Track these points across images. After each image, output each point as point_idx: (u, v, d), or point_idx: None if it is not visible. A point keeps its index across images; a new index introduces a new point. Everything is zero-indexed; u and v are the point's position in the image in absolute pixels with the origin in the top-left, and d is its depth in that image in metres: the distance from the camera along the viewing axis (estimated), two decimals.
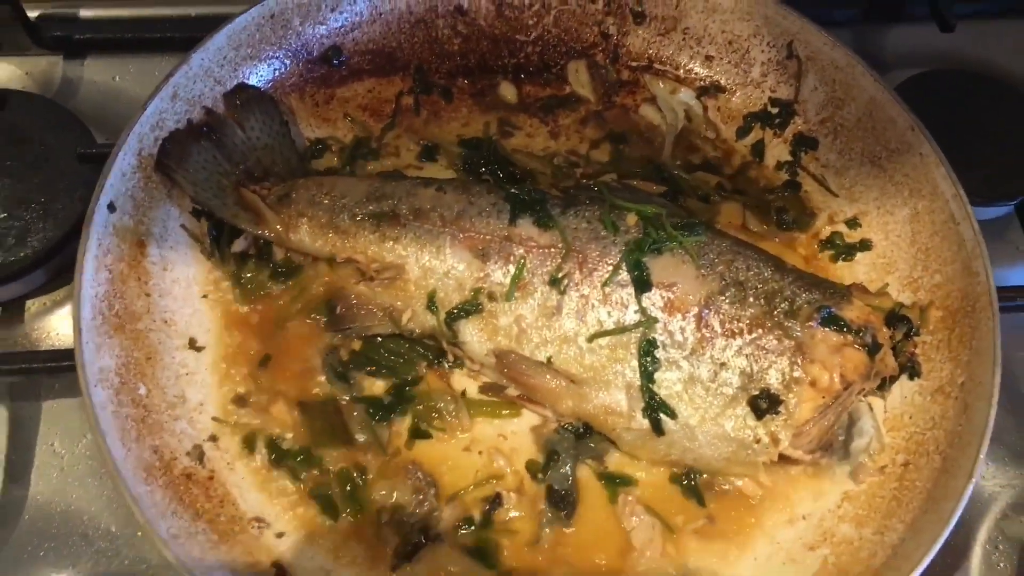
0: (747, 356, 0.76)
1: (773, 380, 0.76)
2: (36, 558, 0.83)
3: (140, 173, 0.82)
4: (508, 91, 0.99)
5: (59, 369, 0.83)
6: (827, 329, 0.76)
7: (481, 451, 0.79)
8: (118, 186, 0.79)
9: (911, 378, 0.81)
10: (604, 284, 0.78)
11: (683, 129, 0.97)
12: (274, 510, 0.75)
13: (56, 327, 0.94)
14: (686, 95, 0.99)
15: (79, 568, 0.82)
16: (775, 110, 0.96)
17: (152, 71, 1.10)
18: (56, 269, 0.95)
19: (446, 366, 0.83)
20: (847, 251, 0.90)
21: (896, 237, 0.88)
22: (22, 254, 0.92)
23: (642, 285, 0.78)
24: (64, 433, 0.89)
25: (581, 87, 0.99)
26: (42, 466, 0.88)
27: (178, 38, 1.11)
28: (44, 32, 1.10)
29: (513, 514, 0.77)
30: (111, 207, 0.78)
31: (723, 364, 0.76)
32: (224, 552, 0.68)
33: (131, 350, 0.77)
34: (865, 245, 0.90)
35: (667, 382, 0.77)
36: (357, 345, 0.83)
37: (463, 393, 0.82)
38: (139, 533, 0.84)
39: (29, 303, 0.95)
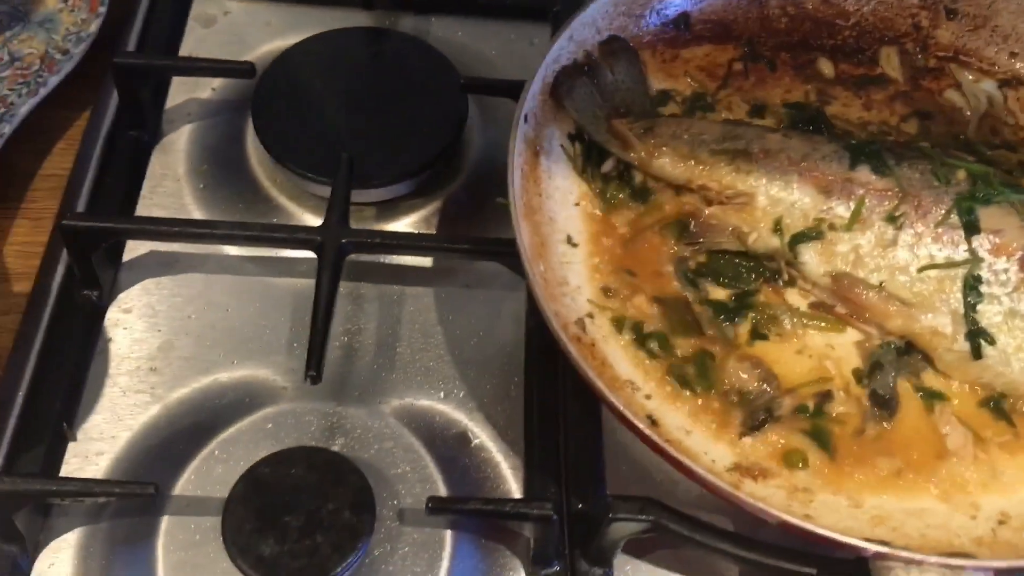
0: None
1: None
2: (407, 404, 1.00)
3: (540, 96, 0.99)
4: (825, 66, 1.12)
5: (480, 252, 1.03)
6: None
7: (811, 356, 0.92)
8: (530, 103, 0.96)
9: None
10: (936, 225, 0.91)
11: (985, 113, 1.09)
12: (641, 378, 0.90)
13: (419, 228, 1.13)
14: (989, 85, 1.10)
15: (439, 419, 0.99)
16: None
17: (484, 32, 1.30)
18: (423, 181, 1.14)
19: (781, 283, 0.96)
20: None
21: None
22: (402, 166, 1.11)
23: (971, 228, 0.91)
24: (422, 315, 1.06)
25: (891, 70, 1.12)
26: (406, 338, 1.05)
27: (509, 5, 1.31)
28: None
29: (841, 409, 0.90)
30: (525, 119, 0.95)
31: None
32: (613, 400, 0.83)
33: (532, 235, 0.93)
34: None
35: (988, 313, 0.89)
36: (703, 258, 0.97)
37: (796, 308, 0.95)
38: (485, 399, 1.01)
39: (400, 204, 1.14)
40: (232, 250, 1.08)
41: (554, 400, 0.98)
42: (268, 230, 1.00)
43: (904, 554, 0.73)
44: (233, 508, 0.87)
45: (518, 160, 0.93)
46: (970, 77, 1.11)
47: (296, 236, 0.99)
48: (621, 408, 0.78)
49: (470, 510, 0.87)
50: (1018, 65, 1.11)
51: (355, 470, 0.90)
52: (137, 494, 0.85)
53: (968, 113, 1.09)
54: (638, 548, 0.93)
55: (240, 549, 0.85)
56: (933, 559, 0.73)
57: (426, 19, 1.32)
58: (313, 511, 0.87)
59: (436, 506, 0.85)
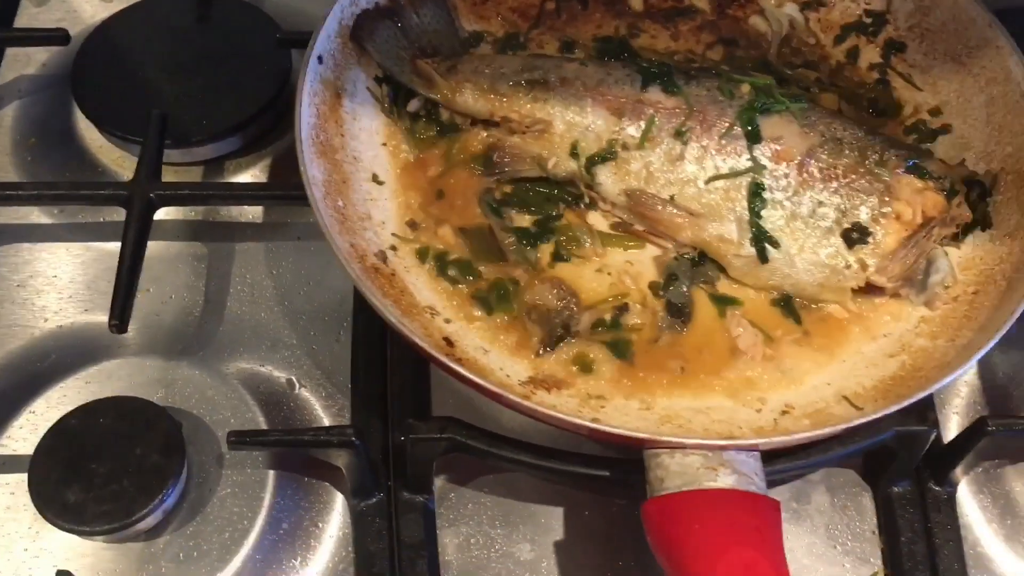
0: (841, 196, 0.91)
1: (863, 216, 0.91)
2: (234, 355, 1.01)
3: (339, 39, 1.00)
4: (635, 1, 1.15)
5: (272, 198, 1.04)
6: (912, 175, 0.91)
7: (611, 273, 0.95)
8: (324, 44, 0.97)
9: (983, 230, 0.95)
10: (721, 137, 0.94)
11: (787, 35, 1.12)
12: (442, 304, 0.92)
13: (247, 180, 1.14)
14: (791, 8, 1.13)
15: (266, 367, 1.00)
16: (869, 20, 1.11)
17: None
18: (251, 136, 1.14)
19: (583, 206, 0.99)
20: (929, 135, 1.03)
21: (973, 120, 1.01)
22: (224, 122, 1.12)
23: (753, 138, 0.94)
24: (253, 270, 1.08)
25: (699, 1, 1.15)
26: (235, 293, 1.06)
27: None
28: None
29: (636, 320, 0.92)
30: (320, 59, 0.96)
31: (820, 203, 0.91)
32: (407, 324, 0.85)
33: (331, 172, 0.94)
34: (945, 129, 1.03)
35: (772, 218, 0.92)
36: (509, 188, 1.00)
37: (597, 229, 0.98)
38: (313, 346, 1.03)
39: (227, 163, 1.15)
40: (60, 218, 1.08)
41: (382, 340, 1.00)
42: (75, 187, 1.01)
43: (667, 439, 0.75)
44: (40, 460, 0.88)
45: (313, 99, 0.95)
46: (773, 2, 1.14)
47: (103, 192, 0.99)
48: (404, 329, 0.80)
49: (270, 441, 0.88)
50: None
51: (165, 415, 0.91)
52: None
53: (771, 38, 1.12)
54: (461, 475, 0.95)
55: (45, 500, 0.86)
56: (691, 442, 0.75)
57: None
58: (120, 457, 0.88)
59: (236, 439, 0.86)
